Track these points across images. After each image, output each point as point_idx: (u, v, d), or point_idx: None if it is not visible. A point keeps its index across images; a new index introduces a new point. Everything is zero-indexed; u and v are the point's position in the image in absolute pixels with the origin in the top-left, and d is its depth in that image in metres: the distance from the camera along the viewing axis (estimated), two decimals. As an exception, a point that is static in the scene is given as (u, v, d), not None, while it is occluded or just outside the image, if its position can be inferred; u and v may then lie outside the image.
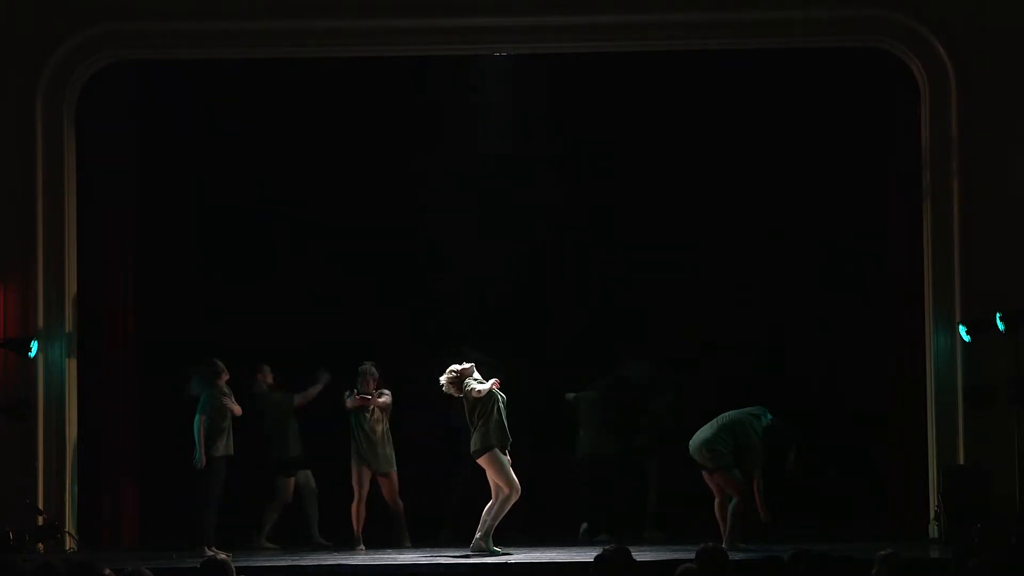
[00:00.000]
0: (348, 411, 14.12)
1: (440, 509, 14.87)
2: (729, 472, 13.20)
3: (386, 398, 14.14)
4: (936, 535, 13.79)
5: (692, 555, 8.43)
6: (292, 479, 14.49)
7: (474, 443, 12.88)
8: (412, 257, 15.76)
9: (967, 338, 13.90)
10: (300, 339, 15.19)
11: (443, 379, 13.01)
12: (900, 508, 14.55)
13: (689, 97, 15.34)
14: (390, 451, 14.15)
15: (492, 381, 12.92)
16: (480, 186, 15.62)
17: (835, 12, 14.45)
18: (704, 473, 13.36)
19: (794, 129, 15.22)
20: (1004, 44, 14.17)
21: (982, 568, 8.21)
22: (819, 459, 14.95)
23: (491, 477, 12.87)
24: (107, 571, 7.71)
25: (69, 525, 14.17)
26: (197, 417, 13.55)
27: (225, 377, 13.75)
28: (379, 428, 14.09)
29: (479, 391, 12.77)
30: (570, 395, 15.12)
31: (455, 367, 13.02)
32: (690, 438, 13.41)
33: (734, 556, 9.91)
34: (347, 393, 14.17)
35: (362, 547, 13.84)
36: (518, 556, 12.67)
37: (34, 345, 14.09)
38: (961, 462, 13.92)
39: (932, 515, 13.94)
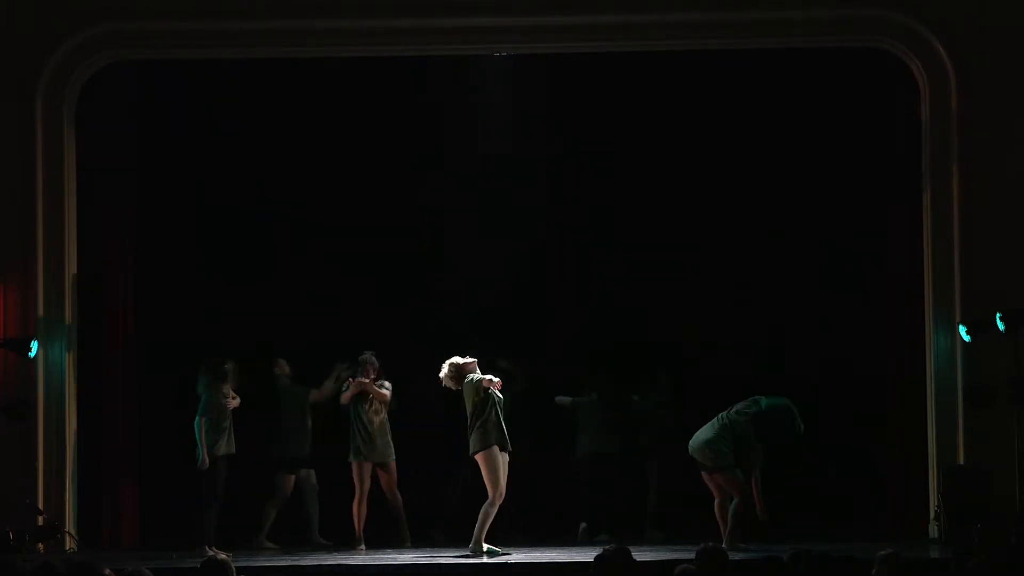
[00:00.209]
0: (345, 405, 14.10)
1: (440, 508, 14.88)
2: (730, 472, 13.19)
3: (386, 392, 14.13)
4: (936, 535, 13.79)
5: (692, 555, 8.43)
6: (293, 476, 14.50)
7: (473, 442, 12.89)
8: (412, 257, 15.76)
9: (967, 338, 13.90)
10: (300, 339, 15.18)
11: (443, 371, 13.01)
12: (900, 508, 14.55)
13: (689, 97, 15.34)
14: (389, 441, 14.15)
15: (497, 380, 12.93)
16: (480, 186, 15.62)
17: (835, 12, 14.45)
18: (704, 473, 13.35)
19: (794, 129, 15.23)
20: (1004, 44, 14.17)
21: (982, 568, 8.21)
22: (819, 459, 14.99)
23: (483, 476, 12.88)
24: (107, 571, 7.71)
25: (69, 525, 14.17)
26: (197, 419, 13.55)
27: (231, 384, 13.70)
28: (376, 420, 14.09)
29: (491, 379, 12.77)
30: (564, 399, 15.11)
31: (456, 360, 13.01)
32: (690, 438, 13.41)
33: (734, 556, 9.91)
34: (344, 385, 14.17)
35: (362, 547, 13.85)
36: (518, 556, 12.67)
37: (34, 345, 14.08)
38: (961, 462, 13.92)
39: (932, 515, 13.94)
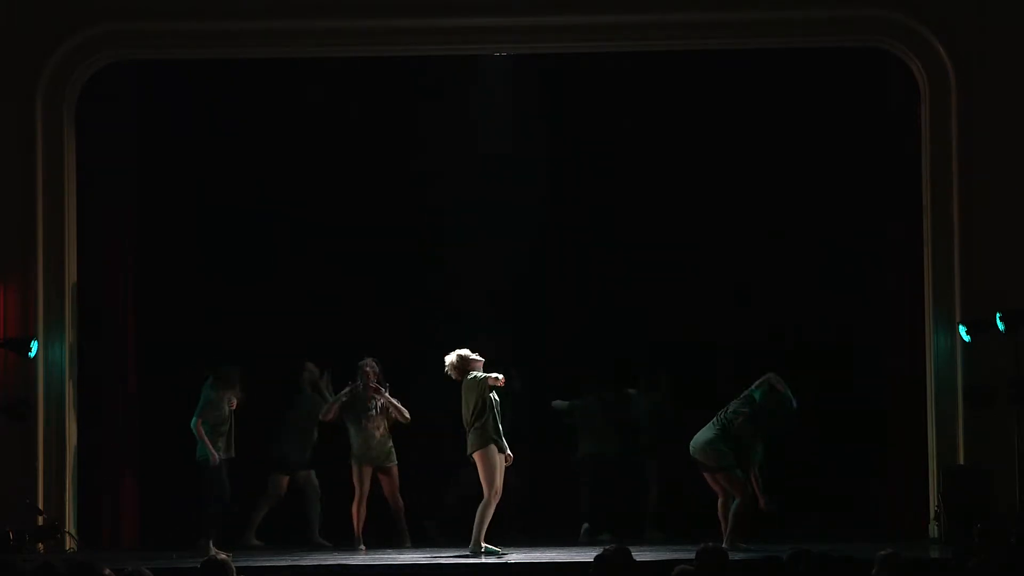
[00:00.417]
0: (345, 414, 14.09)
1: (440, 508, 14.88)
2: (731, 472, 13.19)
3: (407, 414, 14.03)
4: (936, 535, 13.79)
5: (692, 555, 8.43)
6: (287, 478, 14.49)
7: (471, 441, 12.87)
8: (412, 257, 15.76)
9: (967, 338, 13.89)
10: (300, 339, 15.19)
11: (451, 359, 12.97)
12: (900, 508, 14.54)
13: (689, 97, 15.35)
14: (390, 446, 14.13)
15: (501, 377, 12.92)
16: (480, 186, 15.62)
17: (835, 12, 14.45)
18: (706, 474, 13.35)
19: (794, 129, 15.22)
20: (1004, 44, 14.16)
21: (982, 568, 8.21)
22: (819, 459, 14.99)
23: (480, 475, 12.87)
24: (107, 571, 7.71)
25: (69, 525, 14.17)
26: (194, 419, 13.54)
27: (236, 393, 13.68)
28: (377, 433, 14.05)
29: (496, 377, 12.76)
30: (561, 403, 15.10)
31: (466, 353, 12.96)
32: (690, 438, 13.41)
33: (734, 556, 9.91)
34: (343, 392, 14.11)
35: (362, 547, 13.84)
36: (518, 556, 12.66)
37: (34, 345, 14.08)
38: (961, 462, 13.91)
39: (932, 515, 13.94)
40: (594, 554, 8.17)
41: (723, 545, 11.49)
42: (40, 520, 13.87)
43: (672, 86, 15.31)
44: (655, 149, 15.57)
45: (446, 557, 12.66)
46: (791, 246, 15.40)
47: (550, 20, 14.52)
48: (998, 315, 13.53)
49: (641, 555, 9.67)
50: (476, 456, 12.87)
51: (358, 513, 13.97)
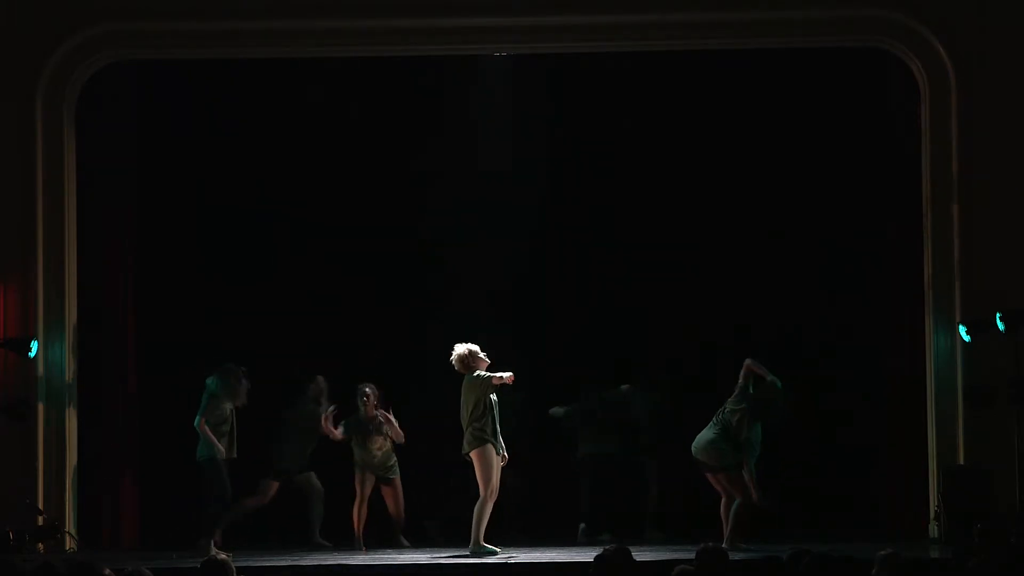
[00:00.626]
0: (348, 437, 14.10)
1: (440, 508, 14.88)
2: (732, 471, 13.19)
3: (401, 435, 14.04)
4: (936, 535, 13.79)
5: (692, 555, 8.43)
6: (277, 484, 14.46)
7: (468, 441, 12.86)
8: (412, 257, 15.76)
9: (967, 338, 13.90)
10: (300, 339, 15.19)
11: (460, 351, 12.94)
12: (900, 508, 14.55)
13: (689, 97, 15.35)
14: (393, 461, 14.15)
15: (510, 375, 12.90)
16: (480, 186, 15.62)
17: (835, 12, 14.45)
18: (708, 474, 13.35)
19: (794, 129, 15.23)
20: (1004, 44, 14.17)
21: (982, 568, 8.20)
22: (819, 459, 14.99)
23: (476, 474, 12.86)
24: (107, 571, 7.71)
25: (69, 525, 14.17)
26: (198, 418, 13.51)
27: (240, 399, 13.65)
28: (379, 452, 14.06)
29: (502, 376, 12.75)
30: (558, 410, 15.08)
31: (476, 350, 12.94)
32: (690, 438, 13.41)
33: (734, 556, 9.91)
34: (341, 428, 14.10)
35: (363, 547, 13.84)
36: (518, 556, 12.66)
37: (34, 345, 14.08)
38: (961, 462, 13.92)
39: (932, 515, 13.94)
40: (594, 554, 8.18)
41: (723, 545, 11.50)
42: (40, 520, 13.87)
43: (672, 86, 15.31)
44: (655, 149, 15.57)
45: (446, 557, 12.67)
46: (791, 246, 15.40)
47: (550, 20, 14.52)
48: (998, 315, 13.54)
49: (641, 555, 9.68)
50: (473, 455, 12.87)
51: (359, 514, 13.98)
